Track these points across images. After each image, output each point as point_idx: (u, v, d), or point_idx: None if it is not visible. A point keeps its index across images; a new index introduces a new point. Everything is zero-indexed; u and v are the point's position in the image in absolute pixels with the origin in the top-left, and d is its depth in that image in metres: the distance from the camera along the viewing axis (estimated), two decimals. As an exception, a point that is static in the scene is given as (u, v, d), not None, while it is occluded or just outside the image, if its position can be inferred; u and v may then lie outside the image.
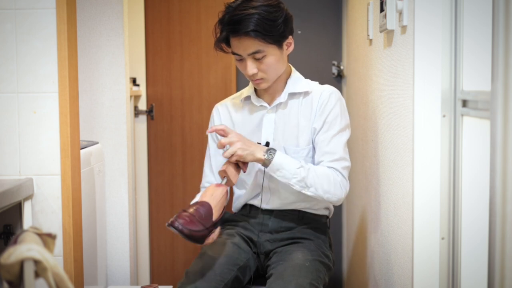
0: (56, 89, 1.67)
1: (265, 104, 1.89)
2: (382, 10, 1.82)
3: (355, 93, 2.64)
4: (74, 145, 1.72)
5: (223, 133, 1.75)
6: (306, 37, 3.08)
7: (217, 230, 1.69)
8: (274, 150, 1.76)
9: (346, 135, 1.85)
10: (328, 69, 3.08)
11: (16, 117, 1.67)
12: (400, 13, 1.63)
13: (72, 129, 1.70)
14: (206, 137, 2.02)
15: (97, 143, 2.42)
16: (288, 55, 1.89)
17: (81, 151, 1.99)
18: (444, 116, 1.48)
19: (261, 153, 1.74)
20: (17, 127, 1.67)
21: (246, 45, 1.75)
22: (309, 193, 1.77)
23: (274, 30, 1.75)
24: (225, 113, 1.97)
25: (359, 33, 2.52)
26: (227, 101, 2.00)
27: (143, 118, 3.14)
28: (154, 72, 3.13)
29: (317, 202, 1.89)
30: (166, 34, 3.11)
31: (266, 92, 1.90)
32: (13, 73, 1.67)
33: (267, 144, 1.87)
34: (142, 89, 3.11)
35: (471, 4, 1.42)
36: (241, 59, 1.79)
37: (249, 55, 1.76)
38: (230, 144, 1.72)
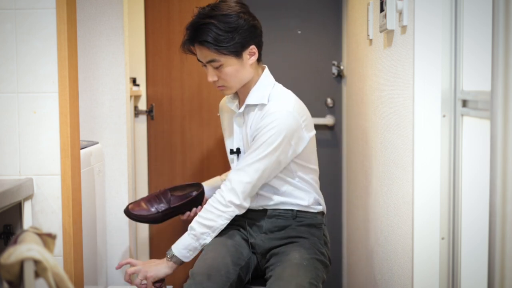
0: (56, 89, 1.67)
1: (236, 109, 1.90)
2: (382, 10, 1.82)
3: (355, 93, 2.64)
4: (74, 145, 1.72)
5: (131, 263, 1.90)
6: (306, 37, 3.07)
7: (196, 210, 2.00)
8: (171, 252, 1.86)
9: (262, 153, 1.76)
10: (328, 69, 3.08)
11: (16, 117, 1.67)
12: (400, 13, 1.63)
13: (72, 129, 1.70)
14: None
15: (97, 143, 2.42)
16: (259, 59, 1.86)
17: (81, 151, 1.99)
18: (444, 116, 1.48)
19: (166, 262, 1.85)
20: (17, 127, 1.67)
21: (203, 53, 1.77)
22: (215, 234, 1.84)
23: (229, 42, 1.73)
24: (221, 110, 2.05)
25: (359, 33, 2.52)
26: (227, 96, 2.04)
27: (143, 118, 3.14)
28: (154, 72, 3.13)
29: (306, 199, 1.89)
30: (166, 34, 3.11)
31: (240, 96, 1.91)
32: (13, 73, 1.67)
33: (238, 150, 1.88)
34: (142, 89, 3.11)
35: (471, 4, 1.42)
36: (204, 65, 1.80)
37: (207, 63, 1.77)
38: (136, 271, 1.84)
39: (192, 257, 1.87)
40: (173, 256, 1.85)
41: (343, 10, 3.06)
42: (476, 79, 1.40)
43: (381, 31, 1.89)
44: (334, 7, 3.09)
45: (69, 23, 1.68)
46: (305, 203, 1.90)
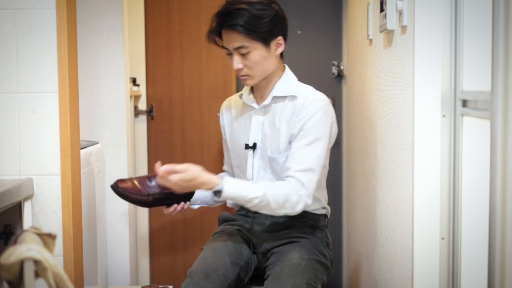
0: (56, 89, 1.67)
1: (254, 104, 1.89)
2: (382, 10, 1.82)
3: (355, 93, 2.64)
4: (74, 145, 1.72)
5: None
6: (306, 37, 3.07)
7: (184, 205, 1.84)
8: (220, 191, 1.71)
9: (321, 146, 1.78)
10: (328, 69, 3.08)
11: (16, 117, 1.67)
12: (400, 13, 1.63)
13: (72, 129, 1.70)
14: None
15: (97, 143, 2.42)
16: (281, 55, 1.87)
17: (81, 151, 1.99)
18: (444, 116, 1.48)
19: (205, 190, 1.75)
20: (17, 127, 1.67)
21: (232, 39, 1.77)
22: (265, 212, 1.76)
23: (260, 28, 1.75)
24: (227, 109, 2.02)
25: (359, 33, 2.52)
26: (233, 96, 2.04)
27: (143, 118, 3.14)
28: (154, 72, 3.13)
29: (313, 206, 1.89)
30: (166, 34, 3.11)
31: (257, 92, 1.91)
32: (13, 73, 1.67)
33: (255, 145, 1.88)
34: (142, 89, 3.11)
35: (471, 4, 1.42)
36: (230, 53, 1.81)
37: (234, 49, 1.78)
38: (168, 183, 1.72)
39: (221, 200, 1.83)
40: (217, 197, 1.73)
41: (343, 10, 3.07)
42: (476, 79, 1.40)
43: (381, 31, 1.89)
44: (334, 7, 3.09)
45: (69, 23, 1.68)
46: (311, 208, 1.90)
